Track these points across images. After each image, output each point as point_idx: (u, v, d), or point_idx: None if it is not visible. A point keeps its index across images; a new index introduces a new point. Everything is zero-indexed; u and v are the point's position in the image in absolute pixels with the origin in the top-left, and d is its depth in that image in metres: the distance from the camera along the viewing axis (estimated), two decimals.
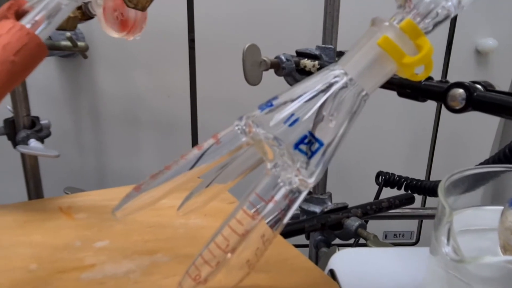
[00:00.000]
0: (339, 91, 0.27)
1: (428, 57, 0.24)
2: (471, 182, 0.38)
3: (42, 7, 0.32)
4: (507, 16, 1.13)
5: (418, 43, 0.25)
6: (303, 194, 0.29)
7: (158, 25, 1.02)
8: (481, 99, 0.38)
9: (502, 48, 1.15)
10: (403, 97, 0.44)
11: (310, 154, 0.27)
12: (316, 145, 0.27)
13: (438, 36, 1.09)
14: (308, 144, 0.27)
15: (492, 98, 0.37)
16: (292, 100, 0.28)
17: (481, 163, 0.51)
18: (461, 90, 0.39)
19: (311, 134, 0.26)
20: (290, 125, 0.28)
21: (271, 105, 0.28)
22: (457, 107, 0.39)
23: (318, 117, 0.28)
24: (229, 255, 0.28)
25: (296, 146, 0.26)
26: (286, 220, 0.30)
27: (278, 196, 0.27)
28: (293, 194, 0.28)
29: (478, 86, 0.38)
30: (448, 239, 0.28)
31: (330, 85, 0.27)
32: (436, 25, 0.26)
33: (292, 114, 0.28)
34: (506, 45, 1.15)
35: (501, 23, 1.14)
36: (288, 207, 0.29)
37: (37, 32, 0.30)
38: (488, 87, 0.38)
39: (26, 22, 0.30)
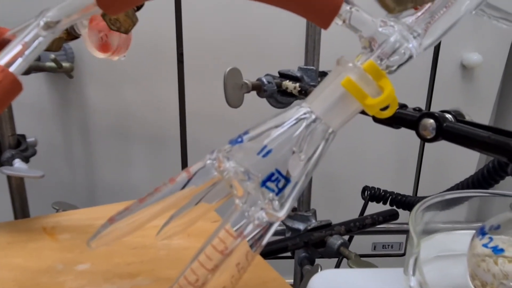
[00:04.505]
0: (307, 128, 0.28)
1: (390, 99, 0.25)
2: (445, 205, 0.39)
3: (19, 40, 0.33)
4: (492, 32, 1.15)
5: (380, 84, 0.26)
6: (275, 225, 0.30)
7: (147, 39, 1.03)
8: (450, 130, 0.39)
9: (487, 63, 1.16)
10: (379, 123, 0.45)
11: (277, 191, 0.27)
12: (283, 182, 0.27)
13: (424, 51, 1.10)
14: (275, 181, 0.27)
15: (459, 129, 0.38)
16: (262, 134, 0.29)
17: (457, 184, 0.52)
18: (431, 120, 0.39)
19: (278, 171, 0.27)
20: (264, 156, 0.28)
21: (241, 140, 0.29)
22: (429, 137, 0.40)
23: (288, 152, 0.28)
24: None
25: (264, 183, 0.27)
26: (260, 247, 0.30)
27: (247, 231, 0.28)
28: (264, 226, 0.29)
29: (449, 116, 0.39)
30: (414, 272, 0.28)
31: (299, 121, 0.28)
32: (400, 66, 0.27)
33: (265, 146, 0.28)
34: (490, 60, 1.17)
35: (486, 39, 1.15)
36: (261, 237, 0.30)
37: (12, 67, 0.30)
38: (458, 116, 0.39)
39: (1, 57, 0.31)
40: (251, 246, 0.29)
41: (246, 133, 0.29)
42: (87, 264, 0.45)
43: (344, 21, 0.27)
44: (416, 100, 0.46)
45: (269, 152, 0.28)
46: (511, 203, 0.35)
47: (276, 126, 0.29)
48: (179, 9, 0.97)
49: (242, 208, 0.28)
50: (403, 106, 0.45)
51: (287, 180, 0.27)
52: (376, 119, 0.45)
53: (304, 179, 0.29)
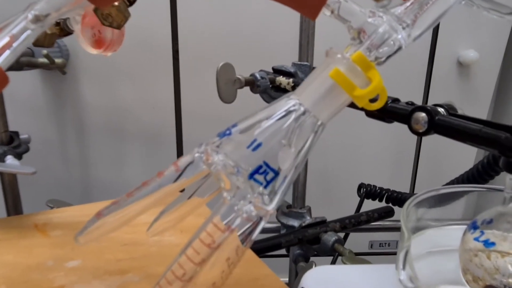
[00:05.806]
0: (296, 120, 0.27)
1: (378, 89, 0.25)
2: (439, 201, 0.39)
3: (6, 33, 0.32)
4: (488, 29, 1.15)
5: (369, 76, 0.25)
6: (265, 219, 0.30)
7: (142, 36, 1.03)
8: (442, 123, 0.38)
9: (483, 60, 1.16)
10: (371, 117, 0.45)
11: (265, 184, 0.27)
12: (271, 174, 0.27)
13: (421, 47, 1.10)
14: (263, 173, 0.27)
15: (451, 123, 0.38)
16: (252, 127, 0.28)
17: (452, 181, 0.52)
18: (423, 114, 0.39)
19: (266, 164, 0.27)
20: (254, 149, 0.28)
21: (230, 133, 0.29)
22: (421, 130, 0.40)
23: (277, 145, 0.28)
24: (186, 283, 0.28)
25: (251, 176, 0.27)
26: (250, 242, 0.30)
27: (235, 225, 0.28)
28: (254, 220, 0.29)
29: (441, 109, 0.39)
30: (404, 265, 0.28)
31: (288, 114, 0.28)
32: (388, 57, 0.27)
33: (255, 140, 0.28)
34: (487, 57, 1.17)
35: (482, 36, 1.15)
36: (251, 232, 0.29)
37: None
38: (450, 110, 0.39)
39: None
40: (242, 241, 0.29)
41: (234, 125, 0.29)
42: (77, 261, 0.45)
43: (332, 12, 0.27)
44: (412, 98, 0.45)
45: (259, 145, 0.28)
46: (505, 197, 0.35)
47: (265, 119, 0.28)
48: (174, 6, 0.96)
49: (231, 201, 0.28)
50: (395, 100, 0.44)
51: (276, 172, 0.27)
52: (368, 113, 0.45)
53: (293, 172, 0.28)
